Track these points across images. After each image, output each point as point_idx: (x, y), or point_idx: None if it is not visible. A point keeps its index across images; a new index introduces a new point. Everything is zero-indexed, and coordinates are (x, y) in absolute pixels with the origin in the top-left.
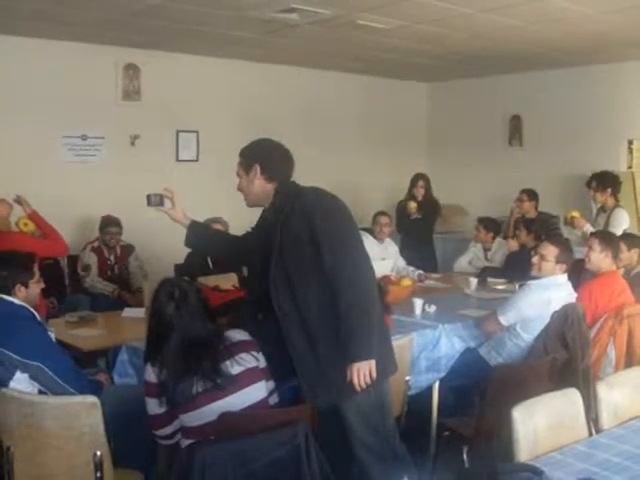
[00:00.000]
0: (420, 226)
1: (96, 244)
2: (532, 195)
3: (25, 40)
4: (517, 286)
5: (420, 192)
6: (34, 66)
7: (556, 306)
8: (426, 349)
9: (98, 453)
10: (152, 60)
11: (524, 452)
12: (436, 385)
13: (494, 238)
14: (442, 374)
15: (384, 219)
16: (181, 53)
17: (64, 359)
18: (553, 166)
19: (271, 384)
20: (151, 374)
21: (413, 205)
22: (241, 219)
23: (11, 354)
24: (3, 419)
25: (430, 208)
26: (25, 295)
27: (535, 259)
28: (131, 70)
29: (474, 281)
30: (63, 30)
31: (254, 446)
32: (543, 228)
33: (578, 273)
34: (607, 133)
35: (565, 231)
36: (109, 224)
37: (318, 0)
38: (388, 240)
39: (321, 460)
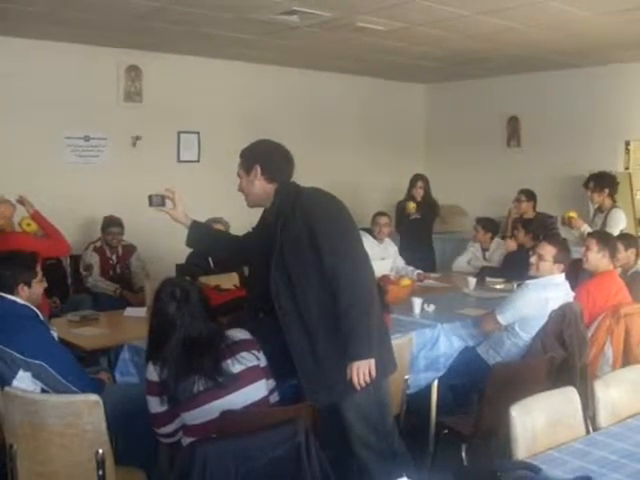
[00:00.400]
0: (419, 226)
1: (98, 244)
2: (530, 195)
3: (28, 42)
4: (515, 286)
5: (419, 193)
6: (37, 68)
7: (554, 305)
8: (425, 348)
9: (100, 451)
10: (153, 62)
11: (522, 450)
12: (435, 384)
13: (492, 238)
14: (441, 373)
15: (383, 219)
16: (182, 55)
17: (66, 358)
18: (551, 167)
19: (272, 383)
20: (152, 373)
21: (412, 205)
22: (242, 219)
23: (14, 353)
24: (6, 417)
25: (429, 208)
26: (28, 294)
27: (533, 259)
28: (133, 72)
29: (473, 281)
30: (66, 32)
31: (255, 444)
32: (541, 228)
33: (576, 273)
34: (604, 134)
35: (563, 231)
36: (111, 224)
37: (318, 2)
38: (387, 240)
39: (321, 458)
